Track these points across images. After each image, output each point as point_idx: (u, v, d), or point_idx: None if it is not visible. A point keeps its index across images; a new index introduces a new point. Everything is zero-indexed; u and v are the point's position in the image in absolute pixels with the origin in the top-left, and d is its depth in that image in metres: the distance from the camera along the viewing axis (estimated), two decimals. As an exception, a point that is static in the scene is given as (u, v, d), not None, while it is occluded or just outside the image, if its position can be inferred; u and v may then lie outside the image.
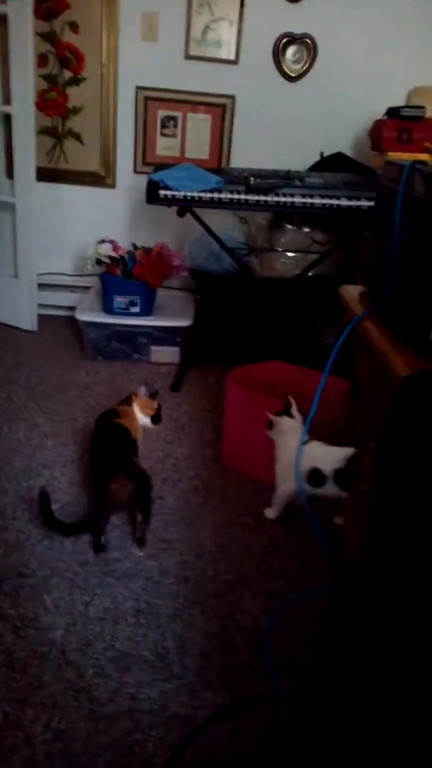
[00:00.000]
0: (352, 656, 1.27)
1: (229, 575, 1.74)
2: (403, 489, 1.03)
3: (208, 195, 2.58)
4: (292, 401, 1.97)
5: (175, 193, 2.57)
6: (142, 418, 2.07)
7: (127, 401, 2.11)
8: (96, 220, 3.46)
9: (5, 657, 1.43)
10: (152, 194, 2.58)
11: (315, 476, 1.82)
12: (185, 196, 2.57)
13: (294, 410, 1.95)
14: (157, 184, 2.59)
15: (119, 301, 3.00)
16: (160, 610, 1.60)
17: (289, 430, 1.92)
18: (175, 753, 1.24)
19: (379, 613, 1.18)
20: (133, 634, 1.52)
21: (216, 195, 2.58)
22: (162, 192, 2.56)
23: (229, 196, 2.58)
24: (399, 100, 3.25)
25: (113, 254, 3.06)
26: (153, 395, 2.13)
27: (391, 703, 1.12)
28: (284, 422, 1.93)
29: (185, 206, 2.67)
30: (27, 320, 3.36)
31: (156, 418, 2.09)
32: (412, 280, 0.98)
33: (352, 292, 1.25)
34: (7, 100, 3.03)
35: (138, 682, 1.40)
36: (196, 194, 2.57)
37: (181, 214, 2.70)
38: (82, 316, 3.04)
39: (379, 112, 3.04)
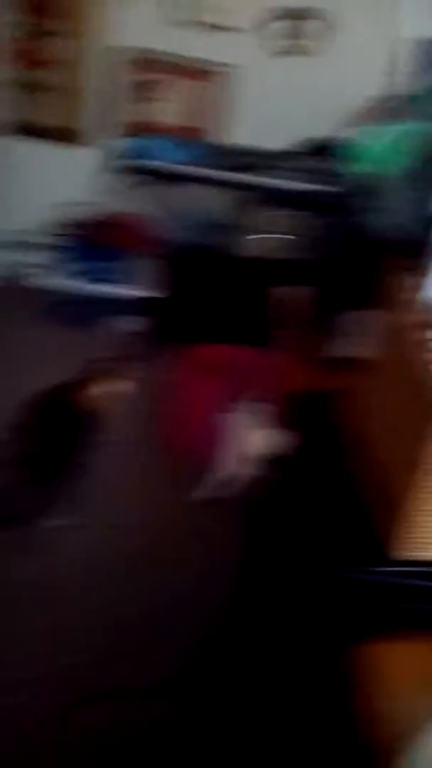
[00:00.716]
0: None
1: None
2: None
3: (187, 168, 2.52)
4: None
5: (150, 163, 2.50)
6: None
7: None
8: (71, 182, 3.33)
9: None
10: (126, 163, 2.51)
11: None
12: (162, 167, 2.52)
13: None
14: (134, 152, 2.52)
15: (84, 266, 2.94)
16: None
17: None
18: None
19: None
20: None
21: (195, 169, 2.52)
22: (140, 161, 2.49)
23: (207, 171, 2.54)
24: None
25: (84, 219, 2.99)
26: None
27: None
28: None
29: (161, 177, 2.60)
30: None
31: None
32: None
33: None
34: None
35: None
36: (174, 167, 2.51)
37: (153, 184, 2.63)
38: (45, 281, 2.99)
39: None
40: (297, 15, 3.11)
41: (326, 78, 3.17)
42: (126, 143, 2.53)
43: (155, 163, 2.50)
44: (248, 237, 2.97)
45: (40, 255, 3.41)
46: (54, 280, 2.99)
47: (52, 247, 3.35)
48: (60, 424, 1.86)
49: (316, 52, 3.16)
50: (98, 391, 1.97)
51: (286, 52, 3.17)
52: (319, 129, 3.09)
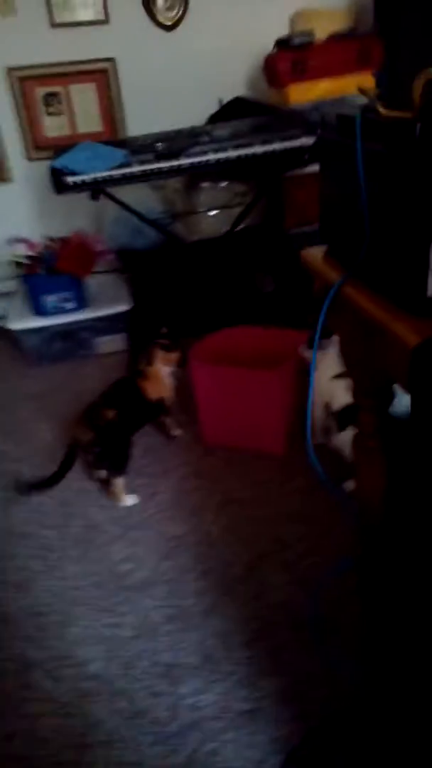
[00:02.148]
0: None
1: (246, 555, 1.72)
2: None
3: (119, 171, 2.44)
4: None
5: (84, 177, 2.41)
6: (166, 371, 2.14)
7: (148, 360, 2.14)
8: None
9: (50, 704, 1.37)
10: (60, 183, 2.42)
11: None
12: (95, 179, 2.42)
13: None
14: (62, 171, 2.42)
15: (51, 300, 2.84)
16: (191, 610, 1.57)
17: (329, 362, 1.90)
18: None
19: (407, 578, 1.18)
20: (172, 642, 1.49)
21: (126, 170, 2.44)
22: (70, 179, 2.40)
23: (141, 168, 2.45)
24: (283, 28, 3.15)
25: (30, 253, 2.88)
26: (172, 346, 2.15)
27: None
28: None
29: (97, 189, 2.52)
30: None
31: (182, 363, 2.15)
32: (393, 238, 0.93)
33: (315, 254, 1.20)
34: None
35: (193, 690, 1.37)
36: (106, 174, 2.42)
37: (94, 197, 2.55)
38: (16, 324, 2.88)
39: (267, 45, 2.93)
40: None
41: (217, 41, 3.14)
42: (54, 165, 2.42)
43: (91, 175, 2.40)
44: (202, 218, 2.92)
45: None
46: (28, 322, 2.88)
47: (8, 291, 3.25)
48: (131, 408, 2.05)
49: (198, 20, 3.10)
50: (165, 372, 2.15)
51: (170, 27, 3.10)
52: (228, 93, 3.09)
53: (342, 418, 1.79)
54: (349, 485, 1.88)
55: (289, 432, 2.13)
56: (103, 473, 2.04)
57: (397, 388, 1.24)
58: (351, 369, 1.22)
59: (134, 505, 1.96)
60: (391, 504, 1.27)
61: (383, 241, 0.96)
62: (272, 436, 2.09)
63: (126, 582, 1.68)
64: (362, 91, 1.02)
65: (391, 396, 1.25)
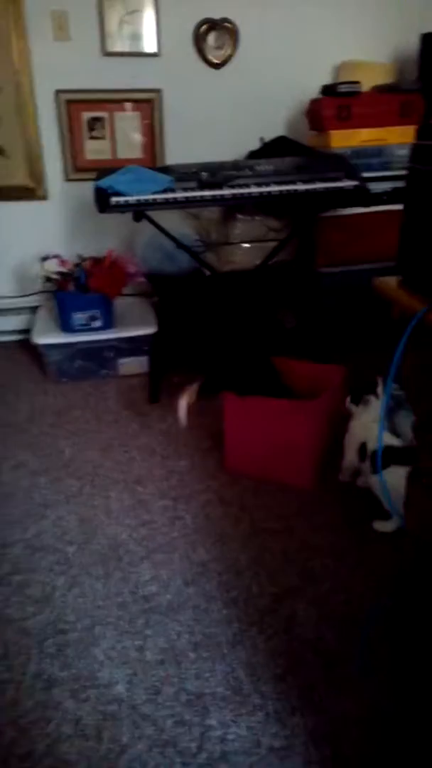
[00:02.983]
0: None
1: (274, 587, 1.68)
2: None
3: (163, 196, 2.47)
4: (379, 381, 1.98)
5: (128, 198, 2.44)
6: None
7: None
8: (32, 235, 3.27)
9: (74, 726, 1.31)
10: (103, 202, 2.44)
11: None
12: (139, 201, 2.45)
13: (379, 390, 1.96)
14: (106, 191, 2.46)
15: (79, 317, 2.84)
16: (219, 639, 1.52)
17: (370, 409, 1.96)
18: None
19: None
20: (199, 670, 1.44)
21: (170, 195, 2.47)
22: (114, 199, 2.43)
23: (184, 194, 2.48)
24: (327, 77, 3.26)
25: (62, 269, 2.90)
26: None
27: None
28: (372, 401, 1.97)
29: (139, 211, 2.55)
30: (-23, 351, 3.15)
31: None
32: None
33: (390, 283, 1.21)
34: None
35: (221, 722, 1.32)
36: (150, 197, 2.45)
37: (137, 219, 2.58)
38: (42, 339, 2.87)
39: (310, 91, 3.02)
40: (218, 26, 3.14)
41: (262, 82, 3.24)
42: (99, 185, 2.46)
43: (135, 197, 2.43)
44: (235, 250, 2.95)
45: (26, 314, 3.33)
46: (53, 337, 2.88)
47: (37, 304, 3.27)
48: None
49: (246, 60, 3.20)
50: None
51: (218, 65, 3.20)
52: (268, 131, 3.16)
53: (384, 458, 1.78)
54: (379, 526, 1.86)
55: (318, 467, 2.11)
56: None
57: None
58: (416, 402, 1.22)
59: (158, 527, 1.92)
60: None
61: None
62: (301, 469, 2.07)
63: (150, 604, 1.63)
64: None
65: (452, 432, 1.24)
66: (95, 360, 2.94)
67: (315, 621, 1.56)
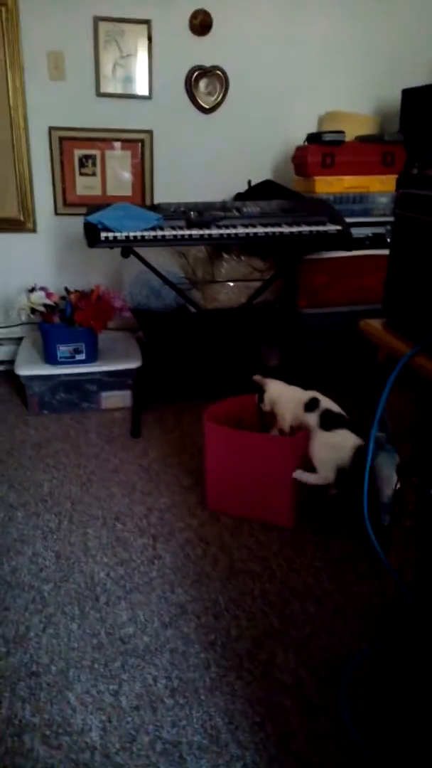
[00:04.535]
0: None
1: (254, 630, 1.65)
2: None
3: (151, 233, 2.51)
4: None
5: (117, 234, 2.47)
6: None
7: None
8: (20, 267, 3.28)
9: (44, 775, 1.26)
10: (92, 237, 2.47)
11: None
12: (127, 237, 2.48)
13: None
14: (96, 226, 2.49)
15: (63, 350, 2.84)
16: (196, 684, 1.49)
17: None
18: None
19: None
20: (176, 718, 1.40)
21: (159, 233, 2.51)
22: (103, 234, 2.46)
23: (172, 232, 2.53)
24: (312, 125, 3.36)
25: (48, 302, 2.91)
26: None
27: None
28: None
29: (128, 247, 2.58)
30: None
31: None
32: None
33: (375, 325, 1.23)
34: None
35: (198, 772, 1.28)
36: (138, 234, 2.49)
37: (125, 255, 2.61)
38: (24, 370, 2.85)
39: (296, 138, 3.12)
40: (209, 73, 3.23)
41: (250, 128, 3.33)
42: (89, 220, 2.49)
43: (124, 233, 2.46)
44: (220, 288, 2.99)
45: (8, 345, 3.31)
46: (36, 369, 2.86)
47: (20, 335, 3.25)
48: None
49: (235, 107, 3.30)
50: None
51: (208, 110, 3.29)
52: (254, 175, 3.24)
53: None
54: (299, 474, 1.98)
55: (299, 504, 2.10)
56: None
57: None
58: (401, 445, 1.23)
59: (136, 566, 1.89)
60: (425, 585, 1.25)
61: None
62: (282, 506, 2.07)
63: (126, 647, 1.59)
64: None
65: (435, 476, 1.25)
66: (78, 393, 2.93)
67: (294, 666, 1.54)
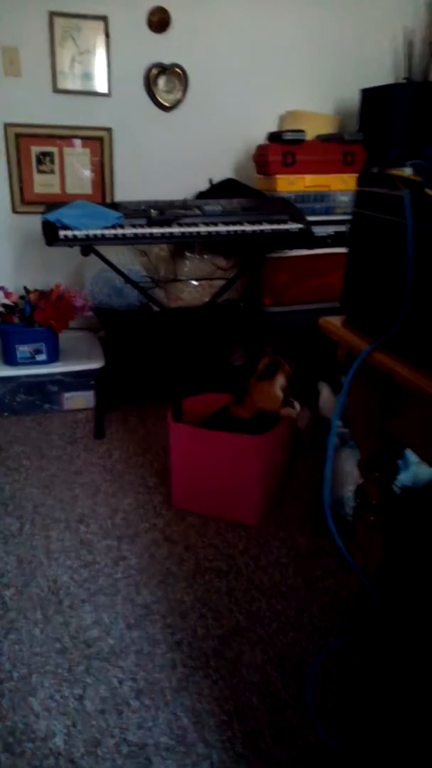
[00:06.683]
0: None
1: (220, 629, 1.64)
2: None
3: (111, 232, 2.47)
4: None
5: (76, 232, 2.43)
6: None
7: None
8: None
9: (6, 785, 1.23)
10: (51, 236, 2.42)
11: None
12: (87, 235, 2.44)
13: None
14: (55, 224, 2.44)
15: (23, 350, 2.78)
16: (162, 684, 1.47)
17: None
18: None
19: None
20: (142, 719, 1.38)
21: (119, 231, 2.48)
22: (62, 232, 2.41)
23: (133, 230, 2.49)
24: (272, 124, 3.37)
25: (7, 301, 2.85)
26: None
27: None
28: None
29: (88, 246, 2.54)
30: None
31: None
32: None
33: (335, 323, 1.23)
34: None
35: (165, 774, 1.26)
36: (98, 232, 2.45)
37: (85, 253, 2.56)
38: (-16, 372, 2.79)
39: (256, 137, 3.13)
40: (168, 71, 3.22)
41: (210, 126, 3.33)
42: (47, 218, 2.44)
43: (84, 232, 2.42)
44: (183, 287, 2.97)
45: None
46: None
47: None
48: None
49: (195, 105, 3.29)
50: None
51: (168, 108, 3.27)
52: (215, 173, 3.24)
53: None
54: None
55: (265, 503, 2.10)
56: None
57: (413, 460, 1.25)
58: (360, 441, 1.23)
59: (101, 568, 1.86)
60: (390, 579, 1.26)
61: (427, 312, 0.99)
62: (248, 505, 2.06)
63: (91, 650, 1.56)
64: (400, 178, 1.08)
65: (396, 470, 1.26)
66: (39, 394, 2.87)
67: (261, 663, 1.53)
